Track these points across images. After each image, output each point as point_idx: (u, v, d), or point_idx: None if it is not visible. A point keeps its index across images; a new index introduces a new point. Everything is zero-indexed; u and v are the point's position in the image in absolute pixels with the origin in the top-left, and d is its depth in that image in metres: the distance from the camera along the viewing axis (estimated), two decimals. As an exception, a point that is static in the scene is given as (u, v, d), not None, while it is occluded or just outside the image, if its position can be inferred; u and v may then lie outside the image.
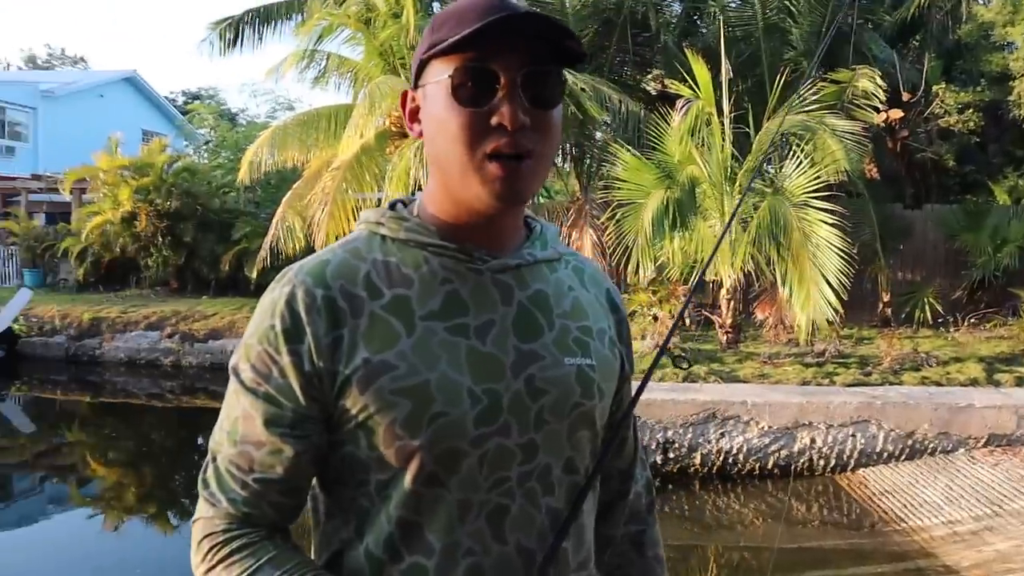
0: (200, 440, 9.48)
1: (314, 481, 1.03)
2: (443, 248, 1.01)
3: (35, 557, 5.92)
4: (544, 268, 1.08)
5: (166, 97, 29.68)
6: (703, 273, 1.35)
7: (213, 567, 0.96)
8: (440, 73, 0.96)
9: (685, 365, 1.37)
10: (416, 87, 1.02)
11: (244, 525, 0.98)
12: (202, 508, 1.00)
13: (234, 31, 13.19)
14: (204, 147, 22.20)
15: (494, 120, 0.94)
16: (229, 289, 15.26)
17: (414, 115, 1.04)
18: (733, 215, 1.80)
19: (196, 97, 31.33)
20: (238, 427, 0.98)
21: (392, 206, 1.08)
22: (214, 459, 1.00)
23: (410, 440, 0.94)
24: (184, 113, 27.02)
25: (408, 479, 0.95)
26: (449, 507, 0.96)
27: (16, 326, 13.09)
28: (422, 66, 1.00)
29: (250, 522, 0.98)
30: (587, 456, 1.05)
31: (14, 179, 19.10)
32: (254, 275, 12.28)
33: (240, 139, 18.12)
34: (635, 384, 1.21)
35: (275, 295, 0.98)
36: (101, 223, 15.21)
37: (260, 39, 13.25)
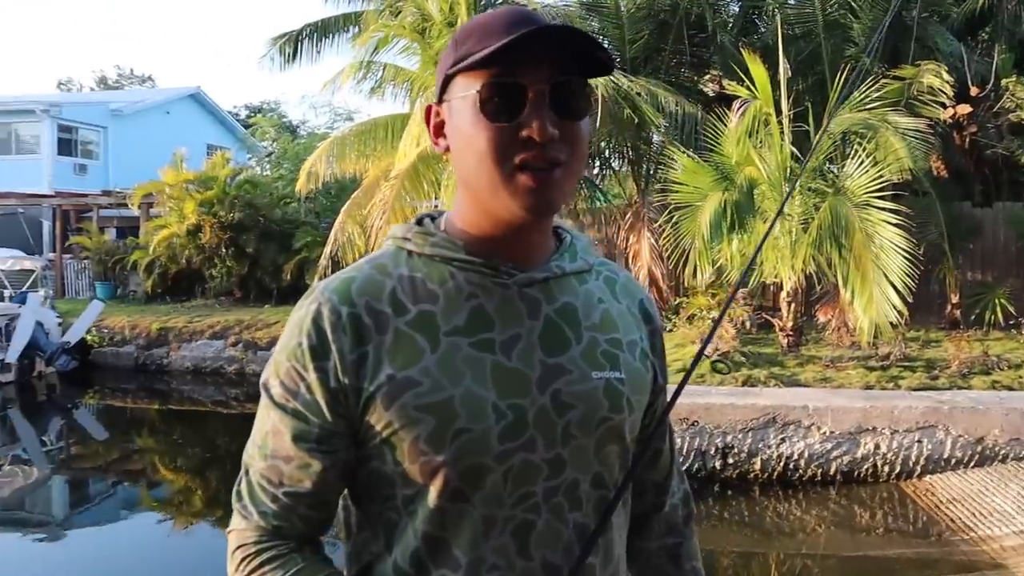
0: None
1: (346, 494, 1.04)
2: (469, 263, 1.00)
3: (110, 558, 6.12)
4: (573, 280, 1.06)
5: (229, 112, 30.44)
6: (747, 272, 1.29)
7: None
8: (466, 88, 0.96)
9: (724, 370, 1.33)
10: (440, 101, 1.02)
11: (275, 537, 0.99)
12: (236, 520, 1.02)
13: (293, 45, 13.50)
14: (267, 159, 22.73)
15: (523, 133, 0.93)
16: (291, 298, 15.53)
17: (439, 130, 1.03)
18: (779, 212, 1.76)
19: (258, 111, 32.10)
20: (268, 441, 0.99)
21: (419, 221, 1.08)
22: (247, 472, 1.02)
23: (434, 456, 0.94)
24: (247, 127, 27.73)
25: (433, 495, 0.95)
26: (474, 522, 0.96)
27: (89, 337, 13.56)
28: (447, 80, 1.00)
29: (280, 534, 1.00)
30: (616, 471, 1.04)
31: (86, 196, 19.80)
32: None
33: (301, 150, 18.52)
34: (672, 391, 1.18)
35: (302, 312, 0.99)
36: (167, 236, 15.67)
37: (319, 52, 13.54)
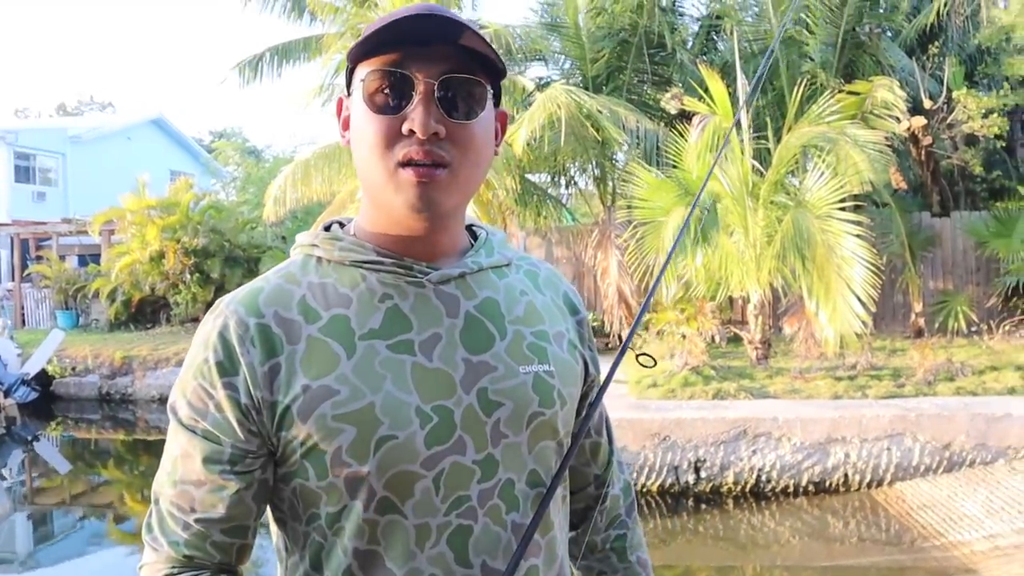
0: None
1: (273, 516, 1.00)
2: (379, 264, 0.97)
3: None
4: (492, 275, 1.03)
5: (192, 137, 30.17)
6: (655, 286, 1.29)
7: None
8: (360, 77, 0.94)
9: (651, 364, 1.34)
10: (350, 94, 0.99)
11: (187, 568, 0.94)
12: (147, 554, 0.96)
13: (254, 69, 13.42)
14: (231, 184, 22.55)
15: (405, 127, 0.91)
16: (258, 323, 15.40)
17: (348, 123, 0.99)
18: (686, 223, 1.77)
19: (221, 135, 31.86)
20: (177, 466, 0.94)
21: (328, 228, 1.05)
22: (156, 503, 0.96)
23: (359, 467, 0.90)
24: (210, 152, 27.50)
25: (359, 508, 0.91)
26: (406, 533, 0.92)
27: (50, 367, 13.27)
28: (350, 71, 0.97)
29: (193, 564, 0.94)
30: (553, 467, 1.01)
31: (45, 223, 19.47)
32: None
33: (265, 175, 18.38)
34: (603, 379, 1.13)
35: (208, 328, 0.94)
36: (130, 263, 15.45)
37: (279, 75, 13.47)
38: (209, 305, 15.65)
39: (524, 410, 0.97)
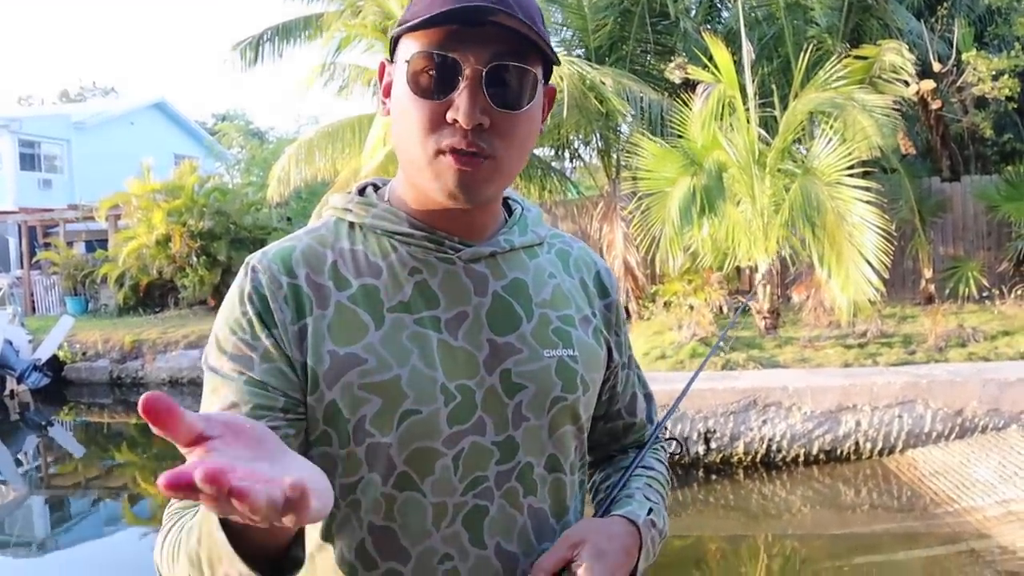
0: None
1: None
2: (410, 236, 0.94)
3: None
4: (523, 255, 1.02)
5: (195, 121, 30.12)
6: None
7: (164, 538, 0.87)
8: (406, 53, 0.89)
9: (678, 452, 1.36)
10: (393, 61, 0.95)
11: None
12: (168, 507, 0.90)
13: (254, 50, 13.31)
14: (235, 166, 22.54)
15: (449, 115, 0.87)
16: (265, 304, 15.45)
17: (388, 90, 0.95)
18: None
19: (224, 118, 31.80)
20: None
21: (362, 190, 1.02)
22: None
23: (381, 437, 0.89)
24: (213, 134, 27.46)
25: (378, 480, 0.90)
26: (424, 511, 0.91)
27: (61, 353, 13.36)
28: (395, 40, 0.93)
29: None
30: (572, 452, 1.00)
31: (52, 210, 19.53)
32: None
33: (269, 156, 18.37)
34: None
35: (241, 284, 0.92)
36: (137, 247, 15.48)
37: (280, 55, 13.35)
38: (216, 288, 15.75)
39: (546, 394, 0.96)
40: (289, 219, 16.41)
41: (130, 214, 16.13)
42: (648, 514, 0.99)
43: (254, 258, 0.94)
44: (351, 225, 0.97)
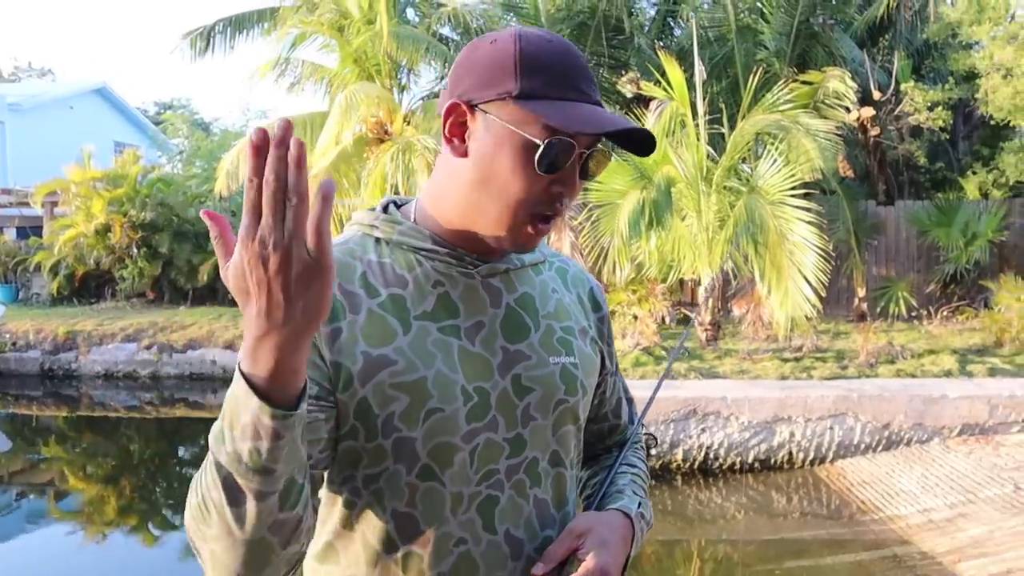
0: (181, 451, 9.42)
1: None
2: (435, 252, 1.04)
3: (16, 572, 5.85)
4: (531, 272, 1.13)
5: (138, 108, 29.40)
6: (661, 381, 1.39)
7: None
8: (522, 124, 0.96)
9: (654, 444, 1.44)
10: (473, 106, 0.98)
11: None
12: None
13: (205, 40, 13.12)
14: (178, 157, 22.07)
15: (555, 189, 0.98)
16: (207, 299, 15.15)
17: (456, 130, 1.00)
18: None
19: (169, 107, 31.10)
20: None
21: (384, 207, 1.11)
22: None
23: (408, 432, 0.97)
24: (157, 123, 26.83)
25: (403, 470, 0.98)
26: (443, 500, 1.00)
27: (-11, 341, 12.91)
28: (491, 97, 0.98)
29: None
30: (571, 449, 1.11)
31: (-17, 194, 18.85)
32: (232, 284, 12.18)
33: (215, 148, 18.03)
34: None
35: None
36: (74, 236, 15.04)
37: (232, 47, 13.19)
38: (157, 280, 15.31)
39: (552, 396, 1.07)
40: (234, 213, 16.14)
41: (68, 201, 15.65)
42: (638, 507, 1.12)
43: None
44: (377, 240, 1.07)
